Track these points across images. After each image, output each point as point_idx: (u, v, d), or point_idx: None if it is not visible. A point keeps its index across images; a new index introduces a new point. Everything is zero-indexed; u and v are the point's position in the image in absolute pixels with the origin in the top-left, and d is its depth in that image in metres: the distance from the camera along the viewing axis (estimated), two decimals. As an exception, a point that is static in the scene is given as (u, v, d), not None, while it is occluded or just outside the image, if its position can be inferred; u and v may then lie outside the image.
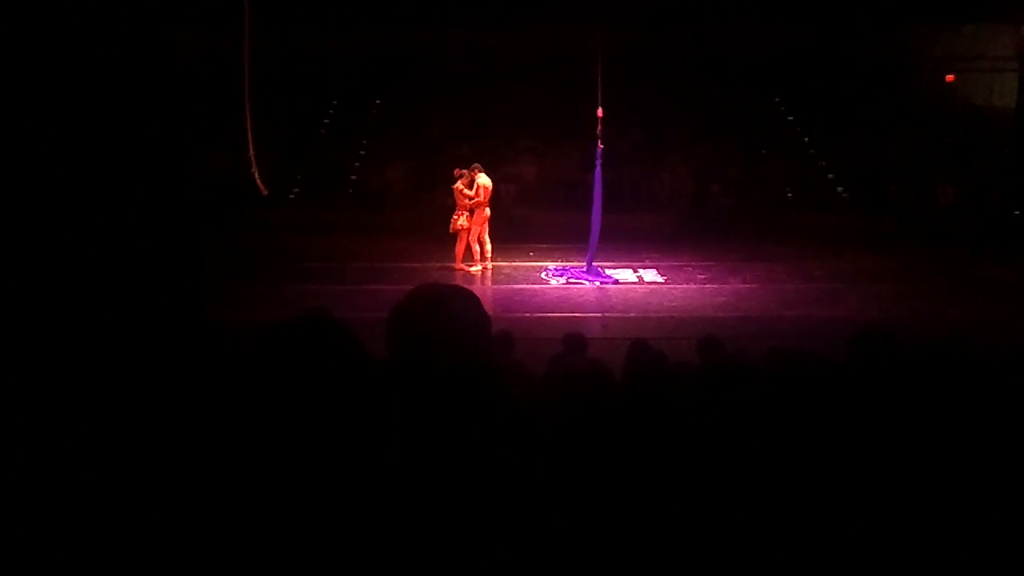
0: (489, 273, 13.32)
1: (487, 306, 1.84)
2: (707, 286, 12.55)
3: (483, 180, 13.19)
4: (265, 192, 13.08)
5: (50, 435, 1.79)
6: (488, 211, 13.26)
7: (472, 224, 13.16)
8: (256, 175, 13.13)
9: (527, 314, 10.70)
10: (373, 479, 1.60)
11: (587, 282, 12.68)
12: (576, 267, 13.25)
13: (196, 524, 1.57)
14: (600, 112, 12.34)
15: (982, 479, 2.52)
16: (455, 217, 13.22)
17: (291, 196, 18.73)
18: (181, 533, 1.57)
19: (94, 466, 1.79)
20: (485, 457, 1.69)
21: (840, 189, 19.29)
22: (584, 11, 13.20)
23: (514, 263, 14.03)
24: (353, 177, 19.77)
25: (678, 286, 12.50)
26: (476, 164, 13.39)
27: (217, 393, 1.84)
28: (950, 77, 21.29)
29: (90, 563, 1.59)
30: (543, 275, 13.19)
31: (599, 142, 12.42)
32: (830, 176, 19.55)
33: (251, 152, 13.02)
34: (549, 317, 10.59)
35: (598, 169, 12.58)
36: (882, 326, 3.83)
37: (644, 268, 13.62)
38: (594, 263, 13.12)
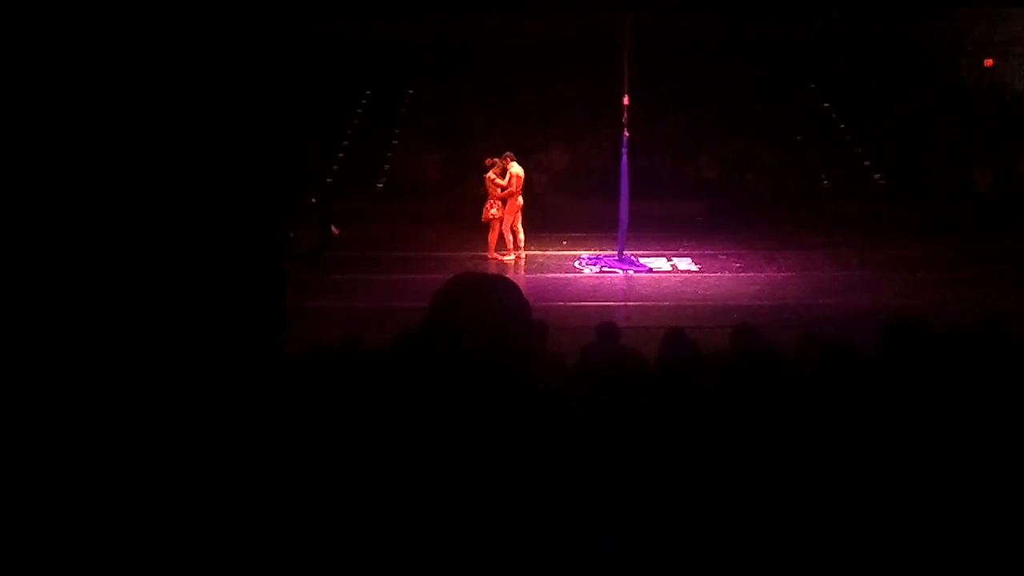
0: (522, 262, 13.33)
1: (523, 295, 1.87)
2: (741, 274, 12.49)
3: (515, 169, 13.20)
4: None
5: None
6: (521, 200, 13.27)
7: (505, 213, 13.18)
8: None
9: (560, 303, 10.71)
10: (408, 466, 1.64)
11: (621, 271, 12.66)
12: (609, 256, 13.22)
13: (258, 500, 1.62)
14: (626, 100, 12.31)
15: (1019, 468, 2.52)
16: (487, 206, 13.26)
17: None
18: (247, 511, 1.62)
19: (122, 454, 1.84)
20: (521, 444, 1.72)
21: (877, 176, 19.06)
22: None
23: (547, 252, 14.02)
24: (386, 167, 19.84)
25: (712, 274, 12.44)
26: (508, 153, 13.40)
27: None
28: (988, 61, 20.94)
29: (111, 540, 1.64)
30: (576, 264, 13.18)
31: (625, 130, 12.41)
32: (866, 163, 19.32)
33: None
34: (583, 306, 10.60)
35: (624, 157, 12.57)
36: (916, 316, 3.82)
37: (678, 256, 13.53)
38: (628, 252, 13.10)
